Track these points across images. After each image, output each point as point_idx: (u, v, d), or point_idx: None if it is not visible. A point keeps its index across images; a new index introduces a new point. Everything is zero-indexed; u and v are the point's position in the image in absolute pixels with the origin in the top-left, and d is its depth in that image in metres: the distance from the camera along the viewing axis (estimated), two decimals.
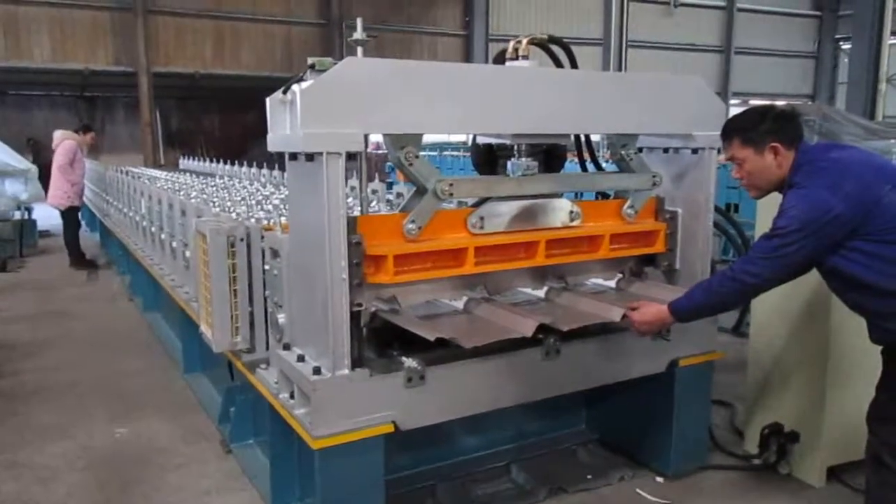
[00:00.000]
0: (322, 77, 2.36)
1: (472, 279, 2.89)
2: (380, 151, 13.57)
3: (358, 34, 2.80)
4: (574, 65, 3.33)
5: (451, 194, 2.68)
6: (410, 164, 2.64)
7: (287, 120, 2.48)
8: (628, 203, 3.18)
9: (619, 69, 15.00)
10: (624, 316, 2.78)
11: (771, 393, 3.54)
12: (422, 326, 2.56)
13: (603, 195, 3.62)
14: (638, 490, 3.32)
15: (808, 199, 2.36)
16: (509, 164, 2.96)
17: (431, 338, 2.47)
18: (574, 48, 3.40)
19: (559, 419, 3.77)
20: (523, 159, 2.95)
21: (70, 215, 9.08)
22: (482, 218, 2.84)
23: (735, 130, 2.58)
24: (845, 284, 2.46)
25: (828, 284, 2.60)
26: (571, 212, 3.06)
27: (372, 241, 2.57)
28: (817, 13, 27.11)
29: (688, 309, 2.64)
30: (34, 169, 10.69)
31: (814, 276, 3.22)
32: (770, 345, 3.55)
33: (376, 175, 5.54)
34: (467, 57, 21.50)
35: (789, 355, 3.42)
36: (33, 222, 10.86)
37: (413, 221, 2.64)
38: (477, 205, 2.90)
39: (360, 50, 2.75)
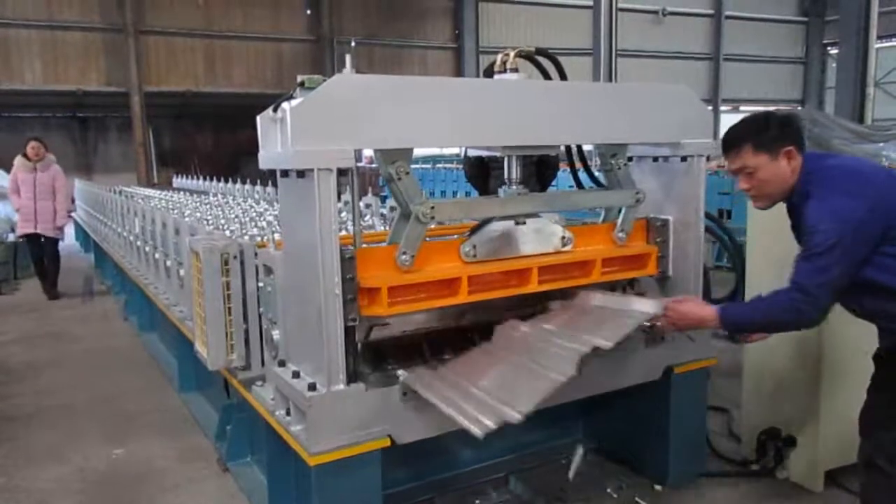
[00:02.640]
0: (312, 95, 2.38)
1: (466, 308, 2.88)
2: (373, 165, 13.61)
3: (347, 68, 2.76)
4: (562, 76, 3.36)
5: (433, 217, 2.68)
6: (400, 179, 2.65)
7: (278, 137, 2.50)
8: (618, 227, 3.17)
9: (609, 79, 15.09)
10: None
11: (767, 398, 3.55)
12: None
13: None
14: (637, 499, 3.31)
15: (833, 209, 2.31)
16: (500, 191, 2.97)
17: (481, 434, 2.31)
18: (564, 58, 3.43)
19: (556, 429, 3.76)
20: (514, 187, 2.97)
21: (31, 244, 8.65)
22: (475, 246, 2.82)
23: (746, 137, 2.49)
24: (875, 294, 2.39)
25: (845, 301, 2.52)
26: (563, 237, 3.06)
27: (365, 274, 2.56)
28: (804, 19, 27.40)
29: (738, 322, 2.63)
30: None
31: None
32: (765, 350, 3.56)
33: (370, 189, 5.57)
34: (458, 70, 21.65)
35: (784, 360, 3.43)
36: None
37: (405, 252, 2.62)
38: (471, 233, 2.91)
39: (348, 64, 2.76)
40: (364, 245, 2.73)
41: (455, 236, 3.07)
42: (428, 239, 2.76)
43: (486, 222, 2.92)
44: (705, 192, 3.31)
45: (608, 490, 3.38)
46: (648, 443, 3.46)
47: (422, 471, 3.34)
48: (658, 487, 3.40)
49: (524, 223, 2.97)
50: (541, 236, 3.01)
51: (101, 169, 21.81)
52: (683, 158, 3.25)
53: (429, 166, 16.04)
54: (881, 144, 12.67)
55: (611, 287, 3.23)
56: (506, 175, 3.07)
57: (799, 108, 18.28)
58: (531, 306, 3.03)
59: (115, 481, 3.72)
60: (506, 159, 2.99)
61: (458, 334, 2.99)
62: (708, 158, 3.35)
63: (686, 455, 3.43)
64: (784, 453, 3.42)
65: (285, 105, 2.40)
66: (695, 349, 3.31)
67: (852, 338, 3.20)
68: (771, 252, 3.47)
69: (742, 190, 2.59)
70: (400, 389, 2.60)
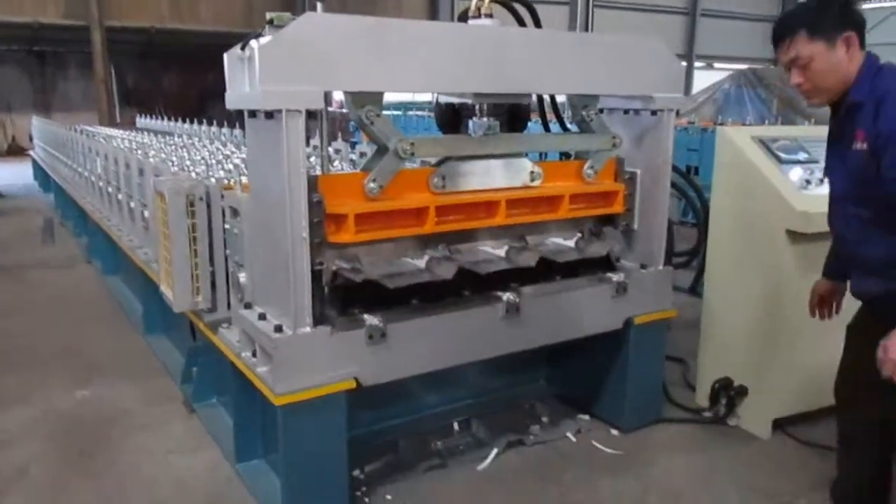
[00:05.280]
0: (281, 33, 2.32)
1: (434, 238, 2.92)
2: (344, 111, 13.37)
3: (318, 7, 2.72)
4: (537, 24, 3.33)
5: (413, 153, 2.68)
6: (371, 123, 2.64)
7: (245, 77, 2.45)
8: (588, 164, 3.22)
9: (586, 29, 14.96)
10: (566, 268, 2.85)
11: (722, 350, 3.67)
12: (350, 270, 2.61)
13: (566, 155, 3.66)
14: (594, 442, 3.44)
15: None
16: (471, 123, 2.97)
17: (358, 279, 2.54)
18: (540, 8, 3.40)
19: (520, 376, 3.86)
20: (485, 119, 2.96)
21: None
22: (444, 177, 2.85)
23: (800, 22, 2.23)
24: None
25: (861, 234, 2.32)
26: (532, 172, 3.09)
27: (333, 200, 2.57)
28: None
29: None
30: None
31: (767, 236, 3.33)
32: (722, 303, 3.67)
33: (339, 134, 5.49)
34: (433, 14, 21.19)
35: (740, 314, 3.54)
36: None
37: (374, 180, 2.64)
38: (439, 164, 2.92)
39: (319, 5, 2.70)
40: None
41: None
42: None
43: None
44: (674, 147, 3.35)
45: (567, 434, 3.49)
46: (607, 390, 3.57)
47: (386, 413, 3.42)
48: (615, 432, 3.53)
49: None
50: (510, 170, 3.04)
51: (60, 107, 21.08)
52: (654, 112, 3.27)
53: (400, 113, 15.85)
54: None
55: (577, 226, 3.29)
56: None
57: (772, 66, 18.35)
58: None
59: (82, 422, 3.72)
60: (476, 107, 2.98)
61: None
62: (678, 113, 3.38)
63: (643, 402, 3.55)
64: (736, 402, 3.56)
65: (253, 43, 2.35)
66: (654, 301, 3.40)
67: (804, 293, 3.32)
68: (734, 208, 3.54)
69: (794, 85, 2.33)
70: (366, 332, 2.63)
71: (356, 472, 3.04)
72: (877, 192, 2.18)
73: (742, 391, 3.54)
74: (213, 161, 4.42)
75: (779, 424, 3.52)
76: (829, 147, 2.45)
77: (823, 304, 2.76)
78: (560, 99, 3.81)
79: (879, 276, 2.30)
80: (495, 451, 3.30)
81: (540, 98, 3.66)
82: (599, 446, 3.40)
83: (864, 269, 2.39)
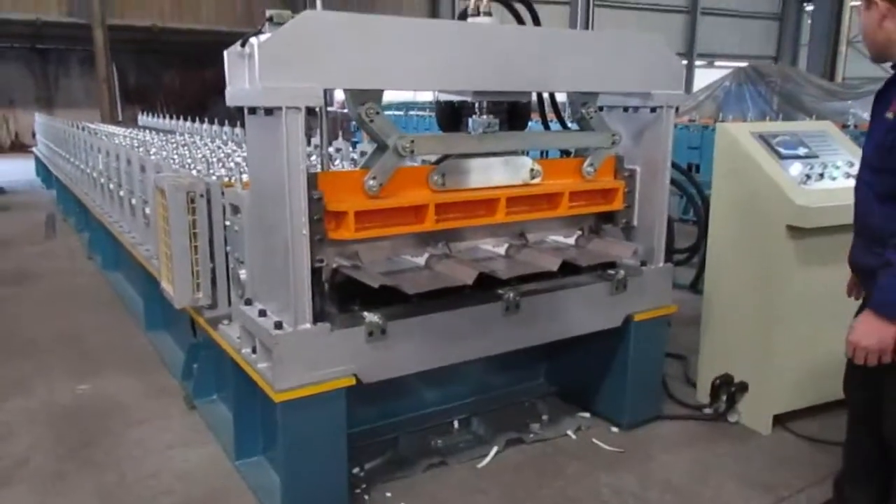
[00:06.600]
0: (280, 30, 2.33)
1: (434, 236, 2.93)
2: (344, 110, 13.37)
3: (318, 5, 2.73)
4: (536, 22, 3.33)
5: (412, 151, 2.68)
6: (371, 121, 2.64)
7: (245, 74, 2.45)
8: (588, 161, 3.22)
9: (586, 27, 14.94)
10: (567, 266, 2.80)
11: (722, 346, 3.67)
12: (367, 275, 2.59)
13: (566, 153, 3.67)
14: (594, 440, 3.44)
15: None
16: (470, 121, 2.97)
17: (375, 285, 2.51)
18: (541, 6, 3.40)
19: (519, 373, 3.87)
20: (484, 116, 2.96)
21: None
22: (444, 175, 2.86)
23: None
24: None
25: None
26: (532, 170, 3.09)
27: (333, 198, 2.57)
28: None
29: (894, 302, 2.16)
30: None
31: (767, 231, 3.34)
32: (722, 300, 3.67)
33: (340, 133, 5.50)
34: (434, 12, 21.17)
35: (740, 310, 3.54)
36: None
37: (374, 178, 2.64)
38: (439, 162, 2.92)
39: (319, 3, 2.71)
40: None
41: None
42: None
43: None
44: (674, 145, 3.35)
45: (567, 432, 3.49)
46: (607, 387, 3.58)
47: (386, 410, 3.42)
48: (615, 429, 3.53)
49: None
50: (510, 168, 3.04)
51: (62, 104, 21.10)
52: (653, 109, 3.27)
53: (401, 113, 15.83)
54: (849, 102, 12.86)
55: (577, 223, 3.29)
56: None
57: (772, 64, 18.33)
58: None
59: (81, 415, 3.74)
60: (476, 105, 2.98)
61: None
62: (677, 110, 3.38)
63: (643, 399, 3.55)
64: (736, 398, 3.56)
65: (253, 40, 2.35)
66: (654, 298, 3.40)
67: (805, 289, 3.32)
68: (734, 204, 3.54)
69: None
70: (365, 329, 2.64)
71: (356, 470, 3.05)
72: (888, 166, 2.19)
73: (742, 387, 3.54)
74: (214, 159, 4.43)
75: (779, 420, 3.52)
76: (871, 111, 2.42)
77: (856, 285, 2.67)
78: (560, 97, 3.81)
79: (878, 250, 2.25)
80: (495, 448, 3.30)
81: (539, 96, 3.65)
82: (600, 444, 3.41)
83: (864, 239, 2.38)
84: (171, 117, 9.91)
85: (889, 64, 2.31)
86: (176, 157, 4.80)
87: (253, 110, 2.52)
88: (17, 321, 5.30)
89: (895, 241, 2.15)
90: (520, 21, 3.31)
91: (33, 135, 13.58)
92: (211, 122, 7.66)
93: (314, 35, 2.36)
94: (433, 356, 2.87)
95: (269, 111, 2.40)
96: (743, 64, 16.84)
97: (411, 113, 15.93)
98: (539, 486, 3.07)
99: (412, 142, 2.67)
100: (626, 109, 3.37)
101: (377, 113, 2.64)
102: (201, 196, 3.05)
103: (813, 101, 13.25)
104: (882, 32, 2.25)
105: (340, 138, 5.49)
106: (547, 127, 3.91)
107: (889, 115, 2.21)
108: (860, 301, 2.56)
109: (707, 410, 3.65)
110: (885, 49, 2.28)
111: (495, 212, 2.92)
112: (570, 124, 3.58)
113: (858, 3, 2.32)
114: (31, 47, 20.77)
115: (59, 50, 21.25)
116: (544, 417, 3.57)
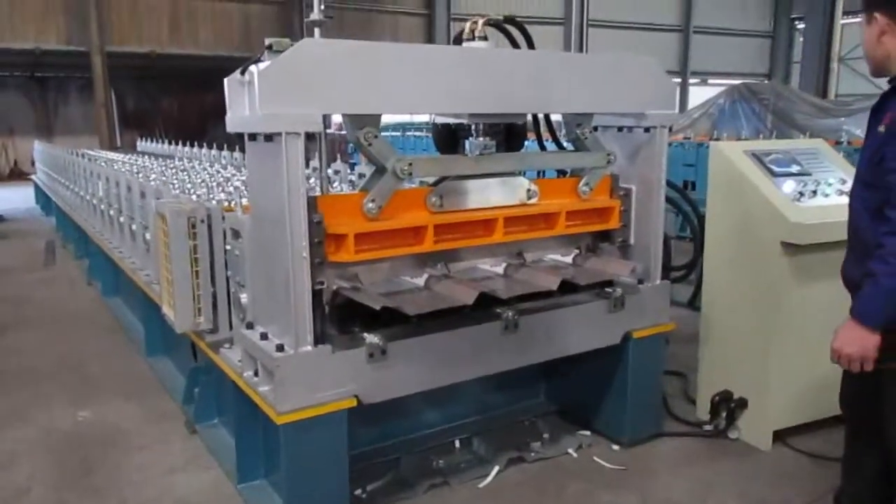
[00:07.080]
0: (279, 58, 2.37)
1: (433, 256, 2.96)
2: (342, 132, 13.46)
3: (315, 14, 2.81)
4: (530, 45, 3.39)
5: (410, 173, 2.73)
6: (370, 144, 2.68)
7: (245, 101, 2.49)
8: (584, 180, 3.27)
9: (580, 49, 15.12)
10: (565, 284, 2.84)
11: (721, 362, 3.69)
12: (368, 296, 2.62)
13: (562, 172, 3.71)
14: (595, 458, 3.44)
15: None
16: (467, 143, 3.02)
17: (377, 306, 2.53)
18: (535, 28, 3.46)
19: (520, 392, 3.88)
20: (480, 139, 3.00)
21: None
22: (441, 196, 2.90)
23: None
24: None
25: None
26: (529, 190, 3.13)
27: (332, 220, 2.61)
28: None
29: (875, 312, 2.19)
30: None
31: (762, 248, 3.37)
32: (720, 316, 3.70)
33: (338, 156, 5.54)
34: (429, 37, 21.38)
35: (738, 326, 3.56)
36: None
37: (373, 201, 2.68)
38: (436, 183, 2.96)
39: (317, 31, 2.76)
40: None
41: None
42: None
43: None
44: (668, 163, 3.39)
45: (568, 450, 3.50)
46: (607, 405, 3.59)
47: (387, 431, 3.43)
48: (616, 447, 3.54)
49: None
50: (507, 188, 3.08)
51: (61, 131, 21.27)
52: (647, 129, 3.32)
53: (398, 134, 15.95)
54: (842, 119, 12.97)
55: (574, 242, 3.33)
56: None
57: (765, 81, 18.52)
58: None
59: (82, 442, 3.73)
60: (473, 127, 3.03)
61: None
62: (671, 129, 3.43)
63: (643, 416, 3.56)
64: (736, 415, 3.57)
65: (253, 68, 2.40)
66: (652, 315, 3.43)
67: (802, 305, 3.35)
68: (729, 222, 3.58)
69: None
70: (366, 351, 2.66)
71: (358, 491, 3.05)
72: (879, 181, 2.22)
73: (742, 403, 3.55)
74: (214, 184, 4.47)
75: (779, 436, 3.53)
76: (867, 126, 2.44)
77: None
78: (555, 117, 3.86)
79: (864, 263, 2.25)
80: (497, 468, 3.31)
81: (535, 117, 3.71)
82: (601, 462, 3.41)
83: (856, 253, 2.39)
84: (169, 142, 9.98)
85: (886, 79, 2.35)
86: (175, 182, 4.84)
87: (253, 136, 2.56)
88: (18, 348, 5.31)
89: (879, 252, 2.18)
90: (514, 44, 3.37)
91: (32, 163, 13.65)
92: (210, 147, 7.71)
93: (313, 63, 2.41)
94: (433, 376, 2.89)
95: (269, 137, 2.44)
96: (736, 81, 17.01)
97: (408, 134, 16.05)
98: None
99: (410, 164, 2.71)
100: (620, 129, 3.42)
101: (376, 136, 2.69)
102: (202, 221, 3.09)
103: (805, 118, 13.36)
104: (881, 47, 2.29)
105: (339, 160, 5.53)
106: (543, 147, 3.95)
107: (881, 129, 2.26)
108: None
109: (707, 427, 3.66)
110: (883, 64, 2.32)
111: (493, 232, 2.96)
112: (565, 144, 3.63)
113: (849, 21, 2.38)
114: (30, 76, 20.96)
115: (58, 78, 21.45)
116: (545, 436, 3.58)
